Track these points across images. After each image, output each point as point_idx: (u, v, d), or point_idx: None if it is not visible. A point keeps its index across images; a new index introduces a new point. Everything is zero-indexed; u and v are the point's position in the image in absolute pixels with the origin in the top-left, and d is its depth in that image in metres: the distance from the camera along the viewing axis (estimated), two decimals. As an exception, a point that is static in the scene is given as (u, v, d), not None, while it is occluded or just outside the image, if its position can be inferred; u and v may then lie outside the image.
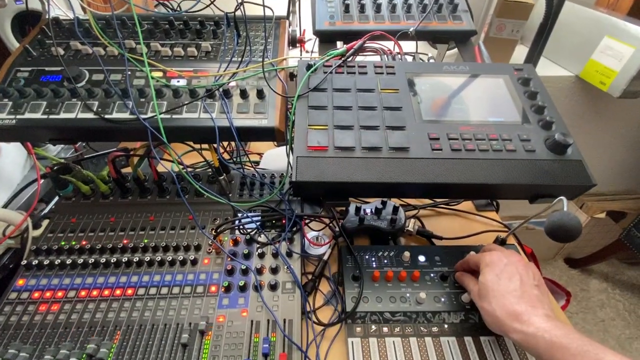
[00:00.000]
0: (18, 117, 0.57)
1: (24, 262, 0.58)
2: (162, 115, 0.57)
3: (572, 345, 0.38)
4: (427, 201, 0.80)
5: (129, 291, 0.56)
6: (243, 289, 0.56)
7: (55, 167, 0.65)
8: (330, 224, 0.70)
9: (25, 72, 0.62)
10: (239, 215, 0.66)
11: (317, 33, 0.75)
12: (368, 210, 0.69)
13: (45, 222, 0.66)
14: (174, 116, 0.58)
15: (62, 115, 0.57)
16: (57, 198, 0.72)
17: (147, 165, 0.69)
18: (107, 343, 0.50)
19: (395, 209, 0.69)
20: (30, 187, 0.76)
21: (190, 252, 0.61)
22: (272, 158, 0.88)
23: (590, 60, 1.06)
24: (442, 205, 0.80)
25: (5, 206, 0.72)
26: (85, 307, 0.54)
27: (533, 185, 0.51)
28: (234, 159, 0.81)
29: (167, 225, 0.65)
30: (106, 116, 0.57)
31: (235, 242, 0.63)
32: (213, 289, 0.56)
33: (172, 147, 0.58)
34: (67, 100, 0.59)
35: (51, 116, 0.57)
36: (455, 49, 0.91)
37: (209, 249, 0.61)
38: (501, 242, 0.66)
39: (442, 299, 0.57)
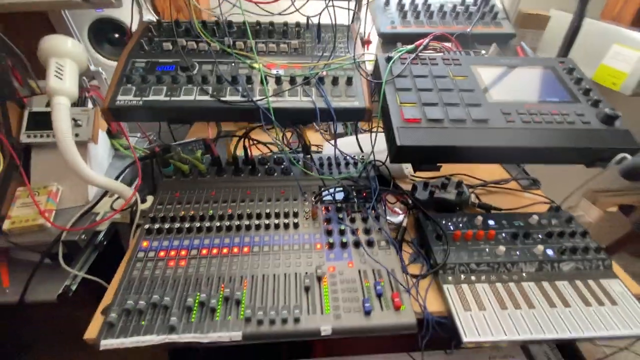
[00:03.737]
0: (144, 99, 0.65)
1: (146, 226, 0.65)
2: (269, 98, 0.66)
3: None
4: (479, 182, 0.90)
5: (245, 249, 0.63)
6: (344, 245, 0.64)
7: (162, 148, 0.73)
8: (403, 198, 0.79)
9: (141, 62, 0.71)
10: (328, 187, 0.74)
11: (381, 35, 0.87)
12: (435, 185, 0.78)
13: (149, 198, 0.73)
14: (279, 99, 0.67)
15: (182, 98, 0.66)
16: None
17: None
18: (239, 288, 0.56)
19: (460, 183, 0.78)
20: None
21: (289, 218, 0.68)
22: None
23: (601, 65, 1.21)
24: (492, 185, 0.90)
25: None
26: (209, 262, 0.60)
27: (591, 149, 0.61)
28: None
29: (263, 197, 0.73)
30: (221, 98, 0.66)
31: (327, 210, 0.71)
32: (318, 246, 0.64)
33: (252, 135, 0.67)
34: (184, 85, 0.68)
35: (172, 98, 0.66)
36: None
37: (306, 215, 0.69)
38: (556, 209, 0.75)
39: (517, 252, 0.65)
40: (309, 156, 0.77)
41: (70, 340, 1.05)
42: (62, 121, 0.55)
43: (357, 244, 0.64)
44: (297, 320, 0.52)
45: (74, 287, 0.70)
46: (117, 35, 1.07)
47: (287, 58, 0.74)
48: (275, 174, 0.79)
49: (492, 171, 0.98)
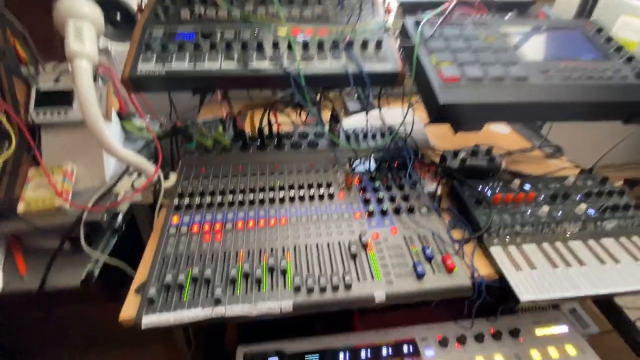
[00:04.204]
0: (166, 67, 0.61)
1: (175, 201, 0.61)
2: (296, 65, 0.63)
3: None
4: (504, 150, 0.88)
5: (282, 221, 0.60)
6: (384, 213, 0.61)
7: (187, 122, 0.69)
8: (433, 168, 0.77)
9: (158, 31, 0.67)
10: (360, 158, 0.71)
11: (402, 4, 0.84)
12: (466, 153, 0.76)
13: (172, 175, 0.69)
14: (308, 65, 0.64)
15: (207, 65, 0.62)
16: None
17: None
18: (282, 258, 0.53)
19: (489, 150, 0.77)
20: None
21: (323, 189, 0.66)
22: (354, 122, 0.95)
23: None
24: (518, 153, 0.89)
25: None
26: (247, 235, 0.57)
27: (630, 103, 0.60)
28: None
29: (292, 170, 0.70)
30: (249, 66, 0.62)
31: (360, 180, 0.68)
32: (357, 215, 0.61)
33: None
34: (208, 52, 0.64)
35: (197, 66, 0.62)
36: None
37: (341, 186, 0.66)
38: (589, 170, 0.74)
39: (559, 213, 0.64)
40: (337, 126, 0.74)
41: (87, 336, 1.01)
42: (86, 87, 0.51)
43: (397, 211, 0.62)
44: (348, 286, 0.50)
45: (96, 272, 0.66)
46: (119, 16, 1.02)
47: (312, 24, 0.71)
48: (302, 147, 0.76)
49: (511, 140, 0.97)
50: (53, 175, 0.66)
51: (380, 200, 0.64)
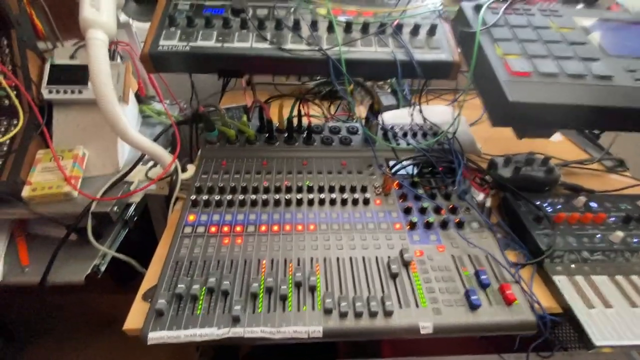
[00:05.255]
0: (191, 44, 0.55)
1: (192, 197, 0.54)
2: (337, 49, 0.55)
3: None
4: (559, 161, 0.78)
5: (311, 227, 0.52)
6: (429, 226, 0.53)
7: (210, 108, 0.62)
8: (480, 176, 0.67)
9: (185, 4, 0.60)
10: (400, 159, 0.63)
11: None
12: (519, 161, 0.67)
13: (190, 167, 0.63)
14: (350, 49, 0.56)
15: (237, 44, 0.55)
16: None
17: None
18: (311, 272, 0.46)
19: (546, 160, 0.67)
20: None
21: (357, 193, 0.58)
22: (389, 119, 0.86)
23: None
24: (574, 165, 0.78)
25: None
26: (271, 241, 0.50)
27: None
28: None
29: (322, 169, 0.62)
30: (283, 46, 0.55)
31: (399, 185, 0.60)
32: (397, 226, 0.53)
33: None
34: (237, 31, 0.57)
35: (225, 44, 0.55)
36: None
37: (377, 190, 0.58)
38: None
39: (635, 240, 0.54)
40: (377, 121, 0.66)
41: (94, 325, 0.97)
42: (99, 61, 0.45)
43: (444, 225, 0.53)
44: (388, 313, 0.42)
45: (103, 268, 0.60)
46: (143, -8, 0.96)
47: (355, 4, 0.63)
48: (334, 143, 0.68)
49: (564, 149, 0.86)
50: (63, 159, 0.60)
51: (423, 211, 0.55)
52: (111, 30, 0.48)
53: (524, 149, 0.69)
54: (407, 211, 0.55)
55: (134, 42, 0.78)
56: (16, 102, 0.57)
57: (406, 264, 0.47)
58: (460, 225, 0.54)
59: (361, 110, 0.89)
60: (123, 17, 0.74)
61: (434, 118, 0.76)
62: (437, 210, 0.56)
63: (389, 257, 0.49)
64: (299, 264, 0.47)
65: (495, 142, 0.76)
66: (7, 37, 0.59)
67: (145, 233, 0.75)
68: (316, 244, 0.50)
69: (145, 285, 0.48)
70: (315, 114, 0.79)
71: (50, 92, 0.64)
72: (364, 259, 0.48)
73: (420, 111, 0.71)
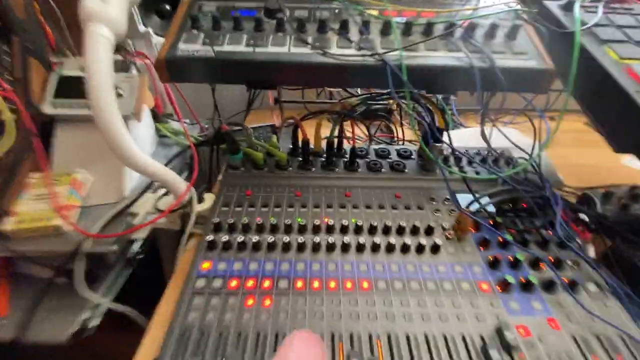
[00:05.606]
0: (217, 48, 0.44)
1: (208, 237, 0.42)
2: (395, 53, 0.43)
3: None
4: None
5: (365, 284, 0.38)
6: (527, 287, 0.38)
7: (234, 127, 0.52)
8: (576, 215, 0.52)
9: (211, 6, 0.51)
10: (477, 194, 0.49)
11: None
12: (623, 196, 0.51)
13: (208, 196, 0.51)
14: (411, 53, 0.44)
15: (271, 49, 0.45)
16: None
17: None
18: (370, 356, 0.32)
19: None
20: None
21: (421, 236, 0.44)
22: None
23: None
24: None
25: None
26: (311, 303, 0.36)
27: None
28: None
29: (370, 202, 0.49)
30: (327, 50, 0.44)
31: (477, 227, 0.46)
32: (484, 286, 0.38)
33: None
34: (272, 33, 0.46)
35: (257, 49, 0.44)
36: None
37: (448, 233, 0.44)
38: None
39: None
40: (442, 145, 0.52)
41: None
42: (98, 60, 0.35)
43: (548, 286, 0.38)
44: None
45: (94, 323, 0.48)
46: (168, 7, 0.90)
47: (411, 5, 0.52)
48: (382, 169, 0.55)
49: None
50: (59, 185, 0.50)
51: (515, 264, 0.41)
52: (119, 29, 0.38)
53: (605, 179, 0.55)
54: (494, 265, 0.41)
55: (153, 55, 0.70)
56: (7, 115, 0.48)
57: (509, 349, 0.32)
58: (572, 286, 0.38)
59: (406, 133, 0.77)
60: (143, 28, 0.66)
61: (497, 141, 0.62)
62: (535, 264, 0.41)
63: (481, 336, 0.34)
64: (352, 343, 0.33)
65: (567, 169, 0.62)
66: (8, 43, 0.51)
67: (151, 271, 0.64)
68: (374, 310, 0.36)
69: (145, 352, 0.35)
70: (358, 133, 0.67)
71: (55, 106, 0.55)
72: (445, 338, 0.34)
73: (490, 133, 0.58)
